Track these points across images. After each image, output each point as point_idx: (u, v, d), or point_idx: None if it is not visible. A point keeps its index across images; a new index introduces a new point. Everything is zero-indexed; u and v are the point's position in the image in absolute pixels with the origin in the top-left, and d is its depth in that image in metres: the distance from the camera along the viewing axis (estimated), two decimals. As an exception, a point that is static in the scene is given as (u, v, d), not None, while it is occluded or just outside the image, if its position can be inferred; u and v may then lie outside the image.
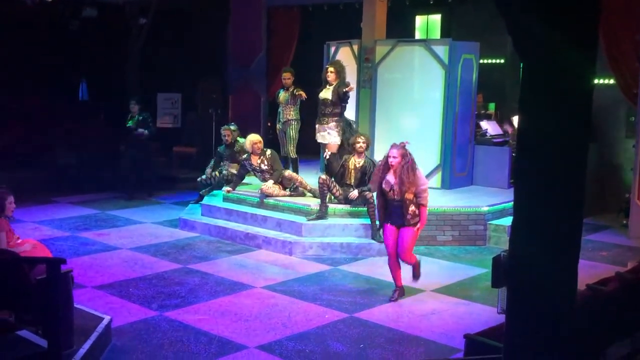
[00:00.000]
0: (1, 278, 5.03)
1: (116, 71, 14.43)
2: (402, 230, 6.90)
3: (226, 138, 10.70)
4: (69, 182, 12.52)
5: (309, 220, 8.91)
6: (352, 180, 8.93)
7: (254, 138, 9.76)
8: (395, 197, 6.82)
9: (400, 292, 7.11)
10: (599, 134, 11.01)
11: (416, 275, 7.19)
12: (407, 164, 6.77)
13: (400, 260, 7.03)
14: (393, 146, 6.92)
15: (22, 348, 5.09)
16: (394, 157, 6.81)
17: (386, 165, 6.88)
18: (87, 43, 14.25)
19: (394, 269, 7.07)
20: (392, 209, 6.92)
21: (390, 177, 6.84)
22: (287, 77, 10.46)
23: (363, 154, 8.87)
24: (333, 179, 8.96)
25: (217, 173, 10.54)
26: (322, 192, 8.91)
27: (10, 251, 5.56)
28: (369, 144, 8.99)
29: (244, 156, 9.88)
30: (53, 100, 14.19)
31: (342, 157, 9.14)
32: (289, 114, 10.39)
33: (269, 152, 9.78)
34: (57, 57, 14.27)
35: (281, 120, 10.46)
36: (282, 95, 10.45)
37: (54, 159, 12.94)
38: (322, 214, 8.93)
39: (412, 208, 6.83)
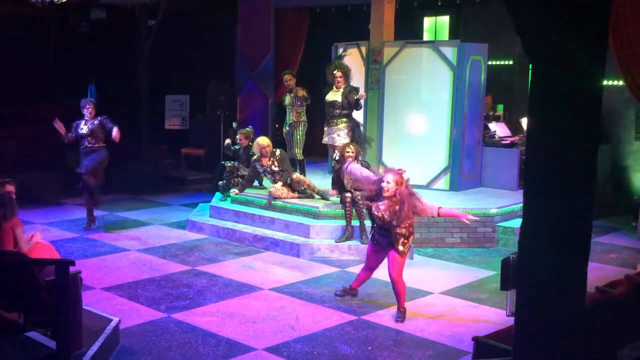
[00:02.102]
0: (10, 280, 5.04)
1: (125, 73, 14.46)
2: (392, 251, 6.51)
3: (240, 142, 10.54)
4: (78, 184, 12.55)
5: (337, 242, 8.71)
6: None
7: (262, 142, 9.67)
8: (386, 222, 6.44)
9: (350, 292, 7.02)
10: (609, 136, 10.97)
11: (400, 317, 6.58)
12: (403, 195, 6.32)
13: (391, 280, 6.61)
14: (388, 171, 6.51)
15: (31, 349, 5.10)
16: (387, 182, 6.36)
17: (379, 187, 6.44)
18: (96, 45, 14.30)
19: (364, 275, 6.95)
20: (380, 231, 6.58)
21: (382, 204, 6.42)
22: (288, 78, 10.47)
23: (352, 160, 8.57)
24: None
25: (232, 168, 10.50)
26: (347, 213, 8.69)
27: (19, 253, 5.58)
28: (358, 155, 8.60)
29: (254, 157, 9.82)
30: (62, 101, 14.24)
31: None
32: (295, 116, 10.40)
33: (278, 152, 9.70)
34: (66, 58, 14.33)
35: (288, 122, 10.47)
36: (287, 98, 10.47)
37: (62, 161, 12.97)
38: (350, 234, 8.72)
39: (402, 240, 6.42)
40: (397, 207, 6.35)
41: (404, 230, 6.43)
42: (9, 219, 5.88)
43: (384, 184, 6.38)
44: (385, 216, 6.41)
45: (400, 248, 6.45)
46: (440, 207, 6.52)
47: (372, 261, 6.82)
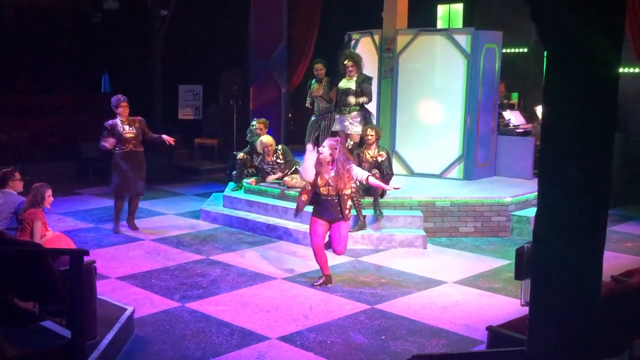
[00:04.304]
0: (25, 269, 5.08)
1: (138, 63, 14.50)
2: (339, 225, 7.00)
3: (258, 132, 10.24)
4: (93, 174, 12.63)
5: (350, 231, 8.68)
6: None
7: (266, 141, 9.69)
8: (331, 192, 6.88)
9: (327, 280, 7.21)
10: (625, 124, 10.87)
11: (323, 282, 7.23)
12: (339, 160, 6.82)
13: (336, 253, 7.22)
14: (327, 139, 7.15)
15: (46, 338, 5.14)
16: (322, 146, 6.90)
17: (319, 160, 6.89)
18: (109, 35, 14.33)
19: (322, 259, 7.15)
20: (325, 205, 6.95)
21: (326, 172, 6.88)
22: (319, 68, 10.14)
23: (373, 146, 8.68)
24: (358, 184, 8.55)
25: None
26: (357, 203, 8.55)
27: (34, 243, 5.62)
28: (379, 136, 8.83)
29: (259, 158, 9.86)
30: (76, 92, 14.32)
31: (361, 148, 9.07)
32: (326, 107, 10.21)
33: (280, 147, 9.89)
34: (80, 49, 14.39)
35: (318, 111, 10.21)
36: (316, 88, 10.18)
37: (77, 151, 13.05)
38: (363, 224, 8.66)
39: (350, 203, 7.02)
40: (340, 170, 6.82)
41: (349, 191, 7.00)
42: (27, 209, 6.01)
43: (320, 149, 6.87)
44: (331, 183, 6.83)
45: (347, 212, 6.95)
46: (369, 176, 7.23)
47: (320, 238, 7.08)
